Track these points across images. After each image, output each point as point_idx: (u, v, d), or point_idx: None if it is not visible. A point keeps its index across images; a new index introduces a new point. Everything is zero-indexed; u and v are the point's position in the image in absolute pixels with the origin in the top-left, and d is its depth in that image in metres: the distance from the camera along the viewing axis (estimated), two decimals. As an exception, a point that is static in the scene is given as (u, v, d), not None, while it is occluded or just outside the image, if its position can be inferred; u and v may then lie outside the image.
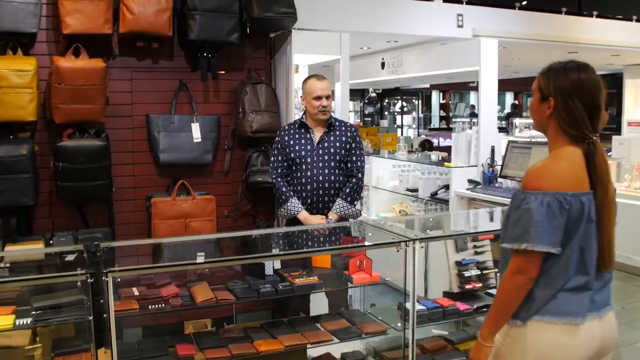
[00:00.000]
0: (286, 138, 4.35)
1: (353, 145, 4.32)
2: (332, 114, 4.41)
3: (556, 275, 2.17)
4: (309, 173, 4.24)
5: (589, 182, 2.16)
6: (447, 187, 6.37)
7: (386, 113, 22.11)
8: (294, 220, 4.29)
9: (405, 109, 22.16)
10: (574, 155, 2.17)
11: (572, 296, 2.18)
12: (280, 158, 4.37)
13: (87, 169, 4.43)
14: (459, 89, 23.65)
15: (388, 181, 7.06)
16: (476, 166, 6.12)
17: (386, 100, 22.39)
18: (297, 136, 4.34)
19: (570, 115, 2.15)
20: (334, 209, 4.24)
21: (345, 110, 5.49)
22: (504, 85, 21.45)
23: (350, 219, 4.28)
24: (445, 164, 6.24)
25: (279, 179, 4.35)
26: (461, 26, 6.34)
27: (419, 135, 17.23)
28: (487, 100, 6.14)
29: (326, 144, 4.25)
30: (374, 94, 17.33)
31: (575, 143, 2.18)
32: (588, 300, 2.20)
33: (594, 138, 2.17)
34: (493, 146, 6.05)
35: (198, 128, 4.97)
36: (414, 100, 22.66)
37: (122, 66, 4.87)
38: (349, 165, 4.31)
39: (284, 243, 4.04)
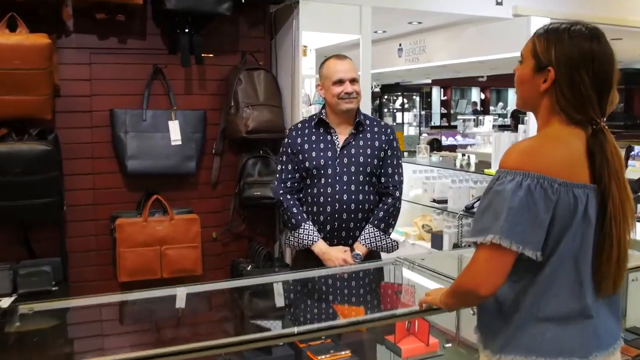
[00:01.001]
0: (299, 140, 3.21)
1: (389, 152, 3.19)
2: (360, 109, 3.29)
3: (539, 296, 1.69)
4: (329, 189, 3.11)
5: (591, 175, 1.71)
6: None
7: (385, 110, 21.20)
8: (307, 253, 3.16)
9: (406, 105, 21.26)
10: (573, 138, 1.72)
11: (564, 328, 1.69)
12: (290, 167, 3.23)
13: (26, 182, 3.31)
14: (461, 85, 23.01)
15: (408, 190, 5.89)
16: (524, 174, 4.98)
17: (385, 97, 21.53)
18: (313, 138, 3.20)
19: (576, 93, 1.71)
20: (362, 239, 3.11)
21: (366, 106, 4.34)
22: (504, 81, 20.60)
23: (383, 253, 3.16)
24: (486, 171, 5.08)
25: (288, 197, 3.21)
26: (500, 3, 5.22)
27: (420, 133, 16.33)
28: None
29: (353, 150, 3.11)
30: (377, 89, 16.16)
31: (575, 126, 1.74)
32: (589, 333, 1.71)
33: (602, 123, 1.73)
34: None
35: (177, 127, 3.84)
36: (414, 97, 21.86)
37: (78, 46, 3.75)
38: (382, 179, 3.17)
39: (297, 303, 2.90)
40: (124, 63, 3.84)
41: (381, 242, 3.11)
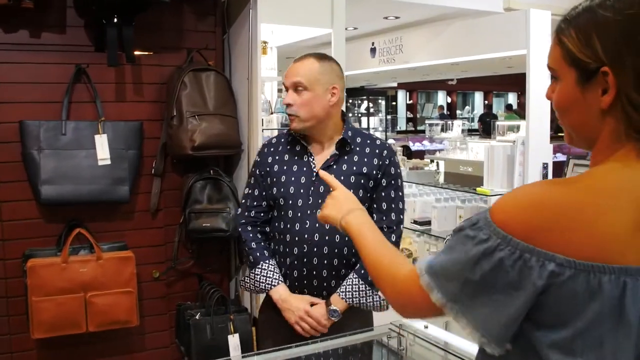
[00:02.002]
0: (269, 160, 2.49)
1: (384, 182, 2.45)
2: (351, 124, 2.55)
3: None
4: (297, 226, 2.38)
5: None
6: (475, 220, 4.54)
7: (351, 115, 20.74)
8: (266, 300, 2.44)
9: (372, 110, 20.87)
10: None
11: None
12: (256, 193, 2.50)
13: None
14: (427, 89, 22.89)
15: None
16: (522, 192, 4.28)
17: (350, 101, 21.12)
18: (286, 158, 2.47)
19: None
20: (342, 292, 2.38)
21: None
22: (471, 84, 20.25)
23: (370, 311, 2.45)
24: (479, 189, 4.37)
25: (249, 228, 2.49)
26: (488, -5, 4.58)
27: (387, 139, 15.91)
28: (540, 98, 4.27)
29: (334, 176, 2.35)
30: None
31: None
32: None
33: None
34: (546, 163, 4.23)
35: (106, 143, 3.08)
36: (379, 101, 21.54)
37: (-25, 41, 2.95)
38: (374, 217, 2.40)
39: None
40: (38, 62, 3.06)
41: (366, 299, 2.37)
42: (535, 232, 1.01)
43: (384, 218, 2.41)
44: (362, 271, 2.36)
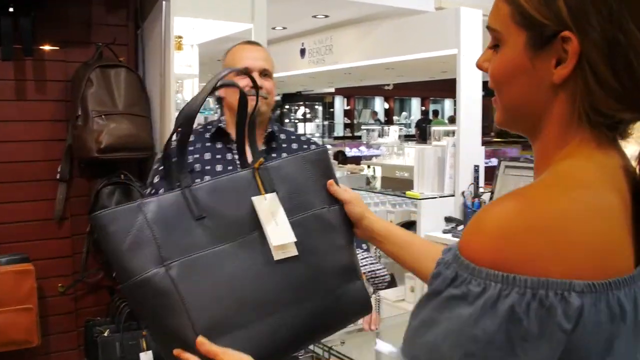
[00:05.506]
0: (188, 160, 2.22)
1: None
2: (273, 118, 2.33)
3: None
4: None
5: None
6: (406, 226, 4.39)
7: (287, 121, 20.69)
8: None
9: (308, 115, 20.90)
10: (613, 175, 0.84)
11: None
12: None
13: None
14: (365, 94, 22.96)
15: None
16: (453, 196, 4.18)
17: (287, 106, 21.07)
18: (207, 157, 2.18)
19: (628, 69, 0.81)
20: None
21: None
22: (408, 90, 20.38)
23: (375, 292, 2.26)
24: (409, 193, 4.21)
25: None
26: (419, -6, 4.47)
27: (323, 145, 15.78)
28: (470, 99, 4.16)
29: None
30: (278, 98, 15.35)
31: (612, 146, 0.86)
32: None
33: None
34: (477, 166, 4.12)
35: (2, 145, 2.79)
36: (316, 107, 21.58)
37: None
38: None
39: None
40: None
41: (377, 267, 2.14)
42: (533, 260, 0.76)
43: None
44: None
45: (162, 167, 2.13)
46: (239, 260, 1.17)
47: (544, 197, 0.79)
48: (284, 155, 2.16)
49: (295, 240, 1.21)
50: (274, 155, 2.16)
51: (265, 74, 2.18)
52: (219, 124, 2.21)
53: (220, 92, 2.26)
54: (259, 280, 1.17)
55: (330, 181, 1.34)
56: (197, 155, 2.18)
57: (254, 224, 1.20)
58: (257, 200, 1.23)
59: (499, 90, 0.92)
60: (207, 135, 2.22)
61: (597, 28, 0.81)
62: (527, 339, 0.73)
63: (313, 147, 2.26)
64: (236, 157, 2.16)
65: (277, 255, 1.19)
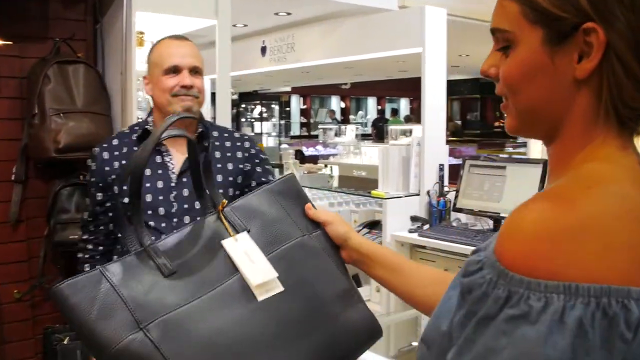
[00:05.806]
0: (107, 169, 2.10)
1: (257, 168, 2.19)
2: (204, 114, 2.26)
3: None
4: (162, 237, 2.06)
5: None
6: (371, 225, 4.34)
7: (243, 120, 20.65)
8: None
9: (265, 115, 20.90)
10: (632, 174, 0.77)
11: None
12: (98, 209, 2.14)
13: None
14: (321, 94, 23.06)
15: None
16: (419, 195, 4.15)
17: (243, 105, 21.04)
18: None
19: None
20: None
21: (225, 116, 3.30)
22: (364, 89, 20.48)
23: None
24: (374, 192, 4.17)
25: (97, 249, 2.19)
26: (382, -8, 4.44)
27: (280, 144, 15.85)
28: (435, 97, 4.12)
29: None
30: (235, 96, 15.20)
31: (629, 141, 0.81)
32: None
33: None
34: (442, 165, 4.09)
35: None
36: (273, 106, 21.60)
37: None
38: None
39: None
40: None
41: None
42: (590, 266, 0.69)
43: None
44: None
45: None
46: (222, 308, 1.08)
47: (586, 197, 0.73)
48: (217, 154, 2.10)
49: (277, 275, 1.12)
50: (206, 155, 2.07)
51: (195, 71, 2.10)
52: (146, 126, 2.13)
53: (147, 90, 2.16)
54: (248, 325, 1.07)
55: (308, 205, 1.26)
56: (123, 161, 2.09)
57: (230, 269, 1.12)
58: (227, 243, 1.15)
59: (514, 94, 0.86)
60: (134, 137, 2.13)
61: (620, 18, 0.77)
62: (589, 353, 0.68)
63: (247, 143, 2.20)
64: (166, 159, 2.08)
65: (261, 295, 1.10)
